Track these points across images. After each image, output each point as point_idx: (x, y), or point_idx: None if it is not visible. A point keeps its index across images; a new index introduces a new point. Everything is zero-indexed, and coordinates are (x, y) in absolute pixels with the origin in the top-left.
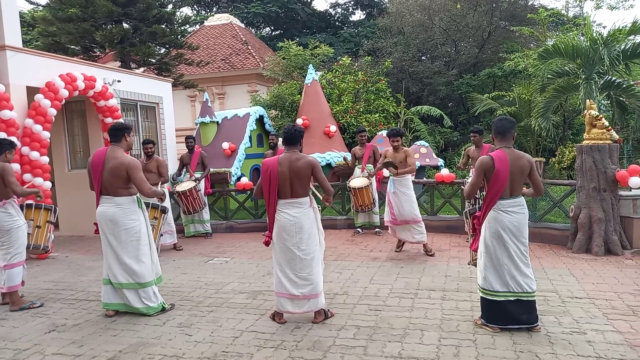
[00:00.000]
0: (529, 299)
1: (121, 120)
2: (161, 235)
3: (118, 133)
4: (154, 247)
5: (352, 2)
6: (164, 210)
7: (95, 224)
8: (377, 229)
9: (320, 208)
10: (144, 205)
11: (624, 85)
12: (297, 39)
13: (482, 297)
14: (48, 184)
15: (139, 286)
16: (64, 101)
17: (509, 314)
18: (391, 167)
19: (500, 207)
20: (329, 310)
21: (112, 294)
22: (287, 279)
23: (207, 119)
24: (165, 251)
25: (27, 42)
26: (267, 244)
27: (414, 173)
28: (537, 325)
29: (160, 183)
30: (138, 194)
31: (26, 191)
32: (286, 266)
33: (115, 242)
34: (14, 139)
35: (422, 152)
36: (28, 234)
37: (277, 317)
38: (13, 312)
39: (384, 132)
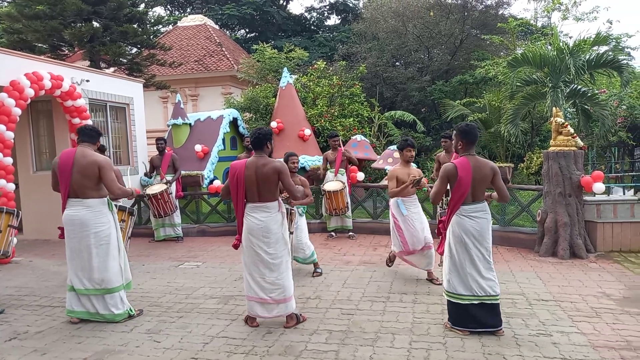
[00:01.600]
0: (493, 302)
1: (90, 121)
2: (129, 238)
3: (94, 134)
4: (123, 251)
5: (328, 7)
6: (131, 213)
7: (60, 228)
8: (350, 233)
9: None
10: (114, 208)
11: (589, 94)
12: (272, 42)
13: (447, 300)
14: (11, 186)
15: (106, 292)
16: (29, 101)
17: (474, 317)
18: (423, 183)
19: (463, 212)
20: (301, 314)
21: (77, 302)
22: (255, 283)
23: (179, 121)
24: (133, 256)
25: None
26: (235, 247)
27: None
28: (501, 329)
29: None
30: (108, 196)
31: None
32: (254, 270)
33: (83, 247)
34: None
35: (395, 156)
36: None
37: (249, 321)
38: None
39: (358, 137)
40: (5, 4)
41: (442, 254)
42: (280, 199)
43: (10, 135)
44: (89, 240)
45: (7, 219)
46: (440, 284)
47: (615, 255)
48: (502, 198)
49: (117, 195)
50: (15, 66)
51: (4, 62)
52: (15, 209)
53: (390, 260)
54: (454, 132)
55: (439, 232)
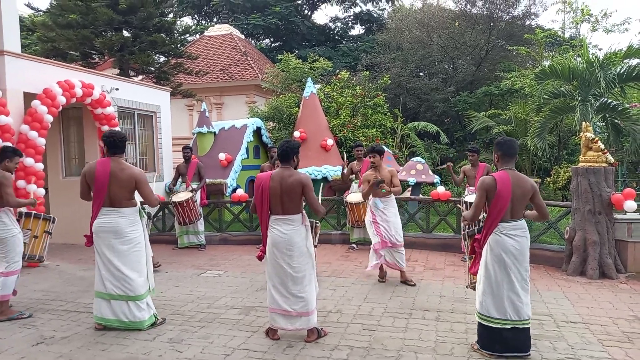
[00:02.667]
0: (525, 326)
1: (118, 128)
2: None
3: (123, 145)
4: (150, 259)
5: (352, 17)
6: (149, 216)
7: (87, 236)
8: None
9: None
10: (144, 215)
11: (620, 108)
12: (297, 52)
13: (478, 322)
14: (42, 191)
15: (135, 298)
16: (60, 108)
17: (505, 341)
18: (382, 185)
19: (502, 230)
20: (322, 328)
21: (106, 308)
22: (279, 294)
23: (204, 129)
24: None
25: (26, 47)
26: (260, 258)
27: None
28: (529, 354)
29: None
30: (139, 204)
31: (20, 202)
32: (278, 282)
33: (114, 254)
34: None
35: (418, 168)
36: (24, 243)
37: (270, 333)
38: (0, 322)
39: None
40: (41, 13)
41: (475, 274)
42: (303, 212)
43: (42, 141)
44: (120, 247)
45: (44, 225)
46: (414, 285)
47: None
48: (541, 216)
49: (154, 205)
50: (48, 74)
51: (38, 71)
52: (52, 216)
53: (382, 277)
54: (494, 145)
55: (472, 250)
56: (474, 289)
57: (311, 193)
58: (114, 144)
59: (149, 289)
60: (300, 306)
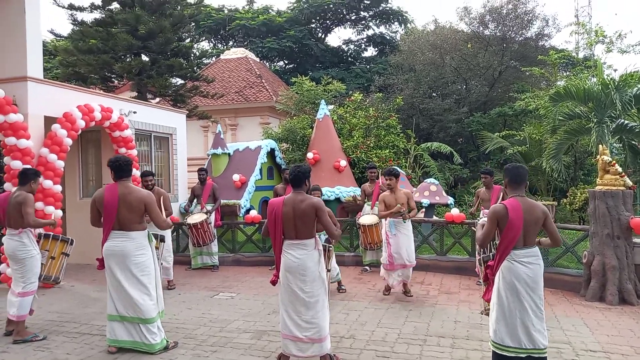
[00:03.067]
0: (541, 355)
1: (135, 151)
2: (161, 264)
3: (129, 169)
4: (159, 281)
5: (365, 39)
6: (162, 240)
7: (99, 259)
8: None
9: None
10: (153, 240)
11: (637, 130)
12: (310, 73)
13: (493, 351)
14: (59, 212)
15: (145, 321)
16: (80, 131)
17: None
18: (405, 215)
19: (514, 257)
20: (334, 355)
21: (120, 330)
22: (291, 320)
23: (219, 151)
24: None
25: (47, 70)
26: (273, 283)
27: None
28: None
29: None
30: (147, 228)
31: (40, 222)
32: (290, 308)
33: (124, 277)
34: (27, 166)
35: (432, 189)
36: (41, 264)
37: (282, 359)
38: (16, 343)
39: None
40: (62, 38)
41: (488, 301)
42: (316, 236)
43: (60, 164)
44: (129, 270)
45: (62, 246)
46: (412, 296)
47: None
48: (554, 242)
49: (163, 228)
50: (68, 99)
51: (59, 95)
52: (70, 238)
53: (387, 290)
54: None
55: (485, 277)
56: (488, 315)
57: (325, 216)
58: (120, 168)
59: (159, 312)
60: (312, 332)
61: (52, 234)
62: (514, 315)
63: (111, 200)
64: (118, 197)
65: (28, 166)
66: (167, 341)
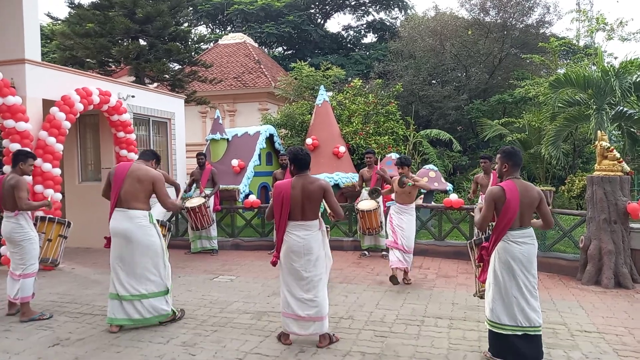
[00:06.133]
0: (536, 333)
1: (133, 135)
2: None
3: (149, 154)
4: (167, 262)
5: (365, 25)
6: (170, 228)
7: (106, 237)
8: (383, 252)
9: (328, 228)
10: (154, 220)
11: (636, 117)
12: (309, 59)
13: (489, 330)
14: (58, 196)
15: (152, 296)
16: (78, 114)
17: (516, 349)
18: (406, 180)
19: (510, 237)
20: (334, 334)
21: (119, 309)
22: (294, 299)
23: (217, 136)
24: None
25: (44, 55)
26: (274, 264)
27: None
28: None
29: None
30: (150, 210)
31: (32, 205)
32: (293, 287)
33: (129, 257)
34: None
35: (430, 176)
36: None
37: (283, 337)
38: (23, 322)
39: (393, 155)
40: (59, 22)
41: (484, 282)
42: (320, 217)
43: (59, 147)
44: (137, 251)
45: (59, 228)
46: (410, 283)
47: None
48: (546, 224)
49: (169, 209)
50: (66, 82)
51: (57, 78)
52: (67, 220)
53: (394, 279)
54: (498, 154)
55: (480, 259)
56: (482, 297)
57: (333, 198)
58: (142, 152)
59: (168, 287)
60: (314, 311)
61: (48, 216)
62: (509, 293)
63: (120, 174)
64: (128, 170)
65: (17, 145)
66: (175, 310)
